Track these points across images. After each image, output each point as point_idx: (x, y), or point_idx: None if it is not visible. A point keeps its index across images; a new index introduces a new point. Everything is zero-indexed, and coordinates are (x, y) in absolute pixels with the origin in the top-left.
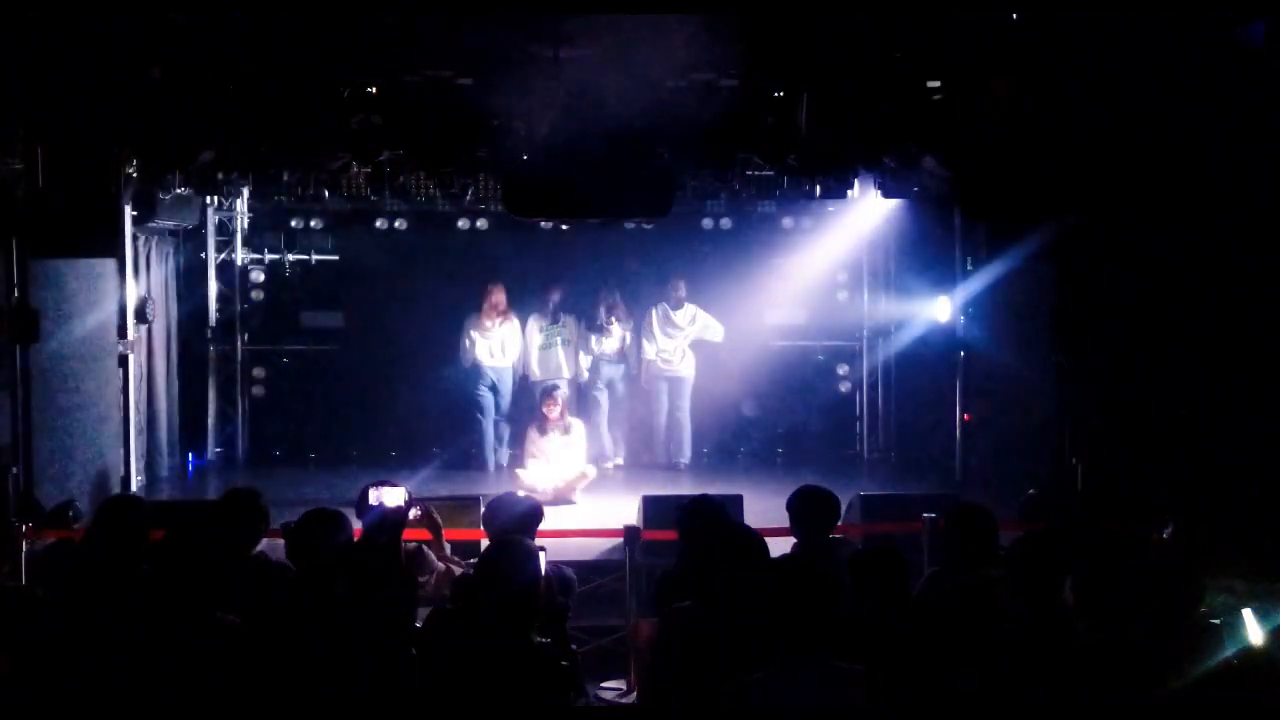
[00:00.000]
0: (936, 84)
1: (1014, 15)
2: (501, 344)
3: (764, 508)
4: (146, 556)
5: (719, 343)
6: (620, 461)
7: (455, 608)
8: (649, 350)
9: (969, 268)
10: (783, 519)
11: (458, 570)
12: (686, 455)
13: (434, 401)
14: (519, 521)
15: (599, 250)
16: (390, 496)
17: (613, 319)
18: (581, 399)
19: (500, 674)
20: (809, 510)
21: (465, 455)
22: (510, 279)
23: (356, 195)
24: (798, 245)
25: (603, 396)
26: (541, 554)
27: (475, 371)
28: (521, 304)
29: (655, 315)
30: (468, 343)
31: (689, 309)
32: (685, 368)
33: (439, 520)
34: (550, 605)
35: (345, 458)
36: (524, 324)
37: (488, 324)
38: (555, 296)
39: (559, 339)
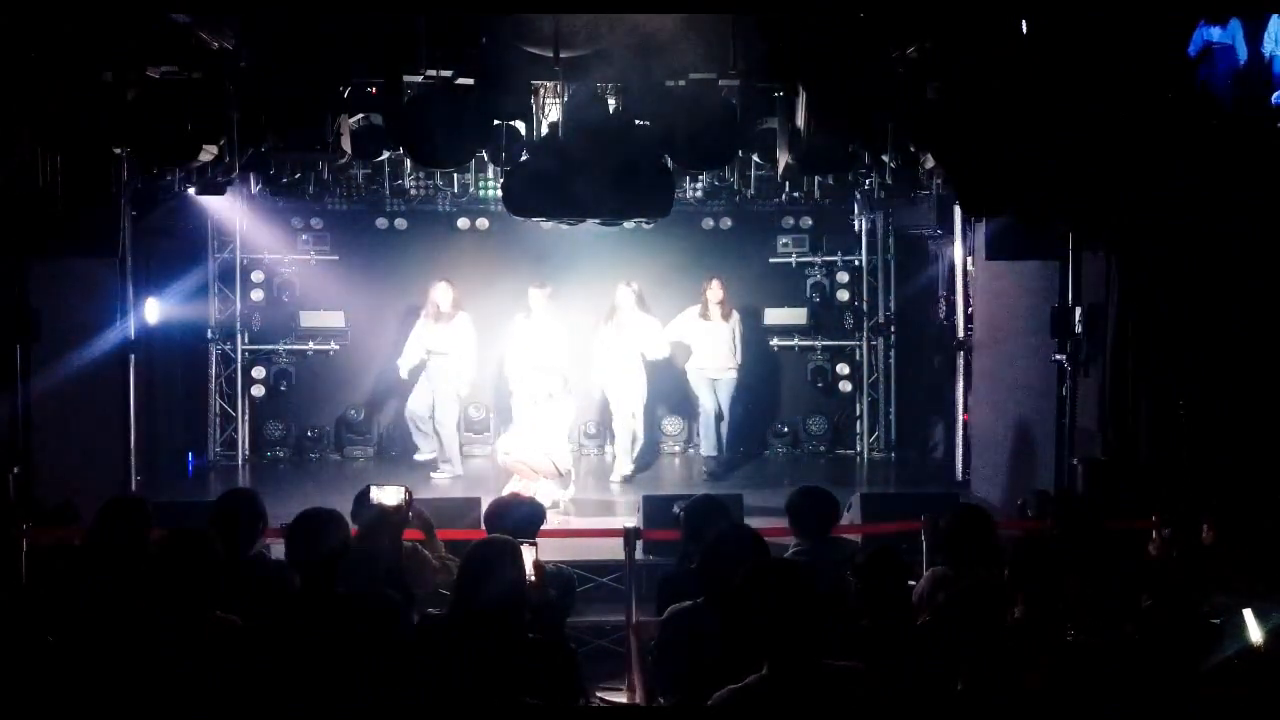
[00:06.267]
0: (936, 84)
1: (1013, 15)
2: (447, 343)
3: (764, 508)
4: (146, 556)
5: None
6: (629, 472)
7: (443, 613)
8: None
9: (968, 267)
10: (783, 519)
11: (454, 567)
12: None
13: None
14: (518, 522)
15: (599, 250)
16: (390, 496)
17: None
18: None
19: (497, 674)
20: (809, 510)
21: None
22: (510, 278)
23: (356, 195)
24: (796, 245)
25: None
26: (530, 550)
27: (417, 372)
28: (519, 303)
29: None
30: (410, 344)
31: (637, 318)
32: (627, 379)
33: (429, 519)
34: (545, 602)
35: (345, 458)
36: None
37: (430, 324)
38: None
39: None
